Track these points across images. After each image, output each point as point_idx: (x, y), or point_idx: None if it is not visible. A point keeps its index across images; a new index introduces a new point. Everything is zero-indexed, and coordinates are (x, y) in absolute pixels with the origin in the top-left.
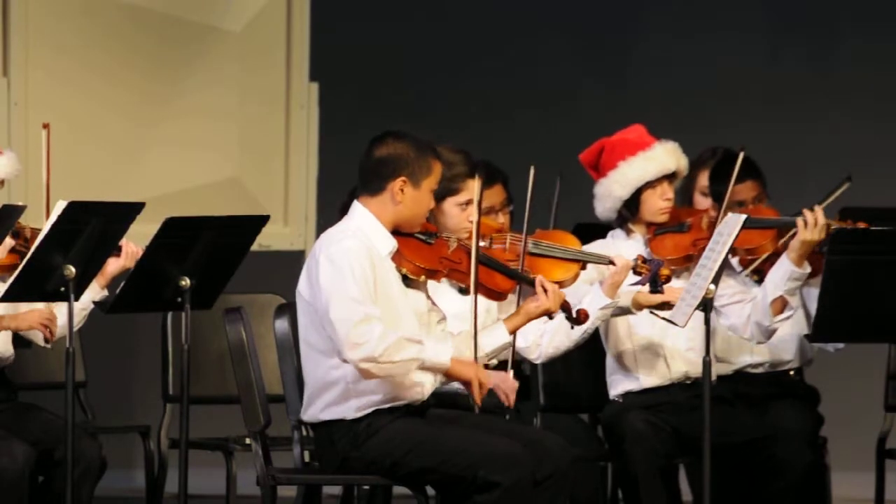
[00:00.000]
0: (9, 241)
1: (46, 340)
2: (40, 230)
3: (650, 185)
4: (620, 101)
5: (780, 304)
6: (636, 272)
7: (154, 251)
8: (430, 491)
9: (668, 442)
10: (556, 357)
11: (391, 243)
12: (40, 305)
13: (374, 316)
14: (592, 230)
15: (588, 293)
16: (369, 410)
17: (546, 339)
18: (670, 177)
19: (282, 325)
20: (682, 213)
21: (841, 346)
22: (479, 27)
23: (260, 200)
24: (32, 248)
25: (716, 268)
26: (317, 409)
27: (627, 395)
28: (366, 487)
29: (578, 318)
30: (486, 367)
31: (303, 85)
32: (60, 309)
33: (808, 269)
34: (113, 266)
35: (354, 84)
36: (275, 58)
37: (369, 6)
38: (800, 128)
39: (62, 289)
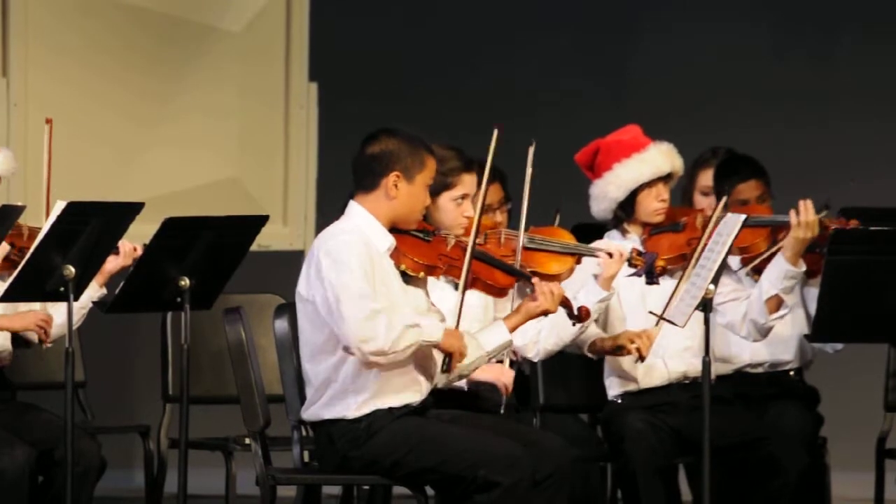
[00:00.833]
0: (6, 247)
1: (41, 342)
2: (40, 229)
3: (645, 186)
4: (620, 101)
5: (776, 303)
6: (631, 264)
7: (153, 251)
8: (430, 491)
9: (667, 442)
10: (555, 353)
11: (389, 240)
12: (36, 306)
13: (379, 310)
14: (592, 230)
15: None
16: (369, 410)
17: (543, 335)
18: (665, 178)
19: (281, 325)
20: (678, 213)
21: (840, 346)
22: (478, 27)
23: (259, 200)
24: (32, 248)
25: (715, 268)
26: (317, 408)
27: (627, 396)
28: (365, 487)
29: (580, 316)
30: None
31: (302, 85)
32: (59, 308)
33: (804, 268)
34: (112, 264)
35: (354, 84)
36: (275, 58)
37: (369, 6)
38: (800, 128)
39: (62, 289)
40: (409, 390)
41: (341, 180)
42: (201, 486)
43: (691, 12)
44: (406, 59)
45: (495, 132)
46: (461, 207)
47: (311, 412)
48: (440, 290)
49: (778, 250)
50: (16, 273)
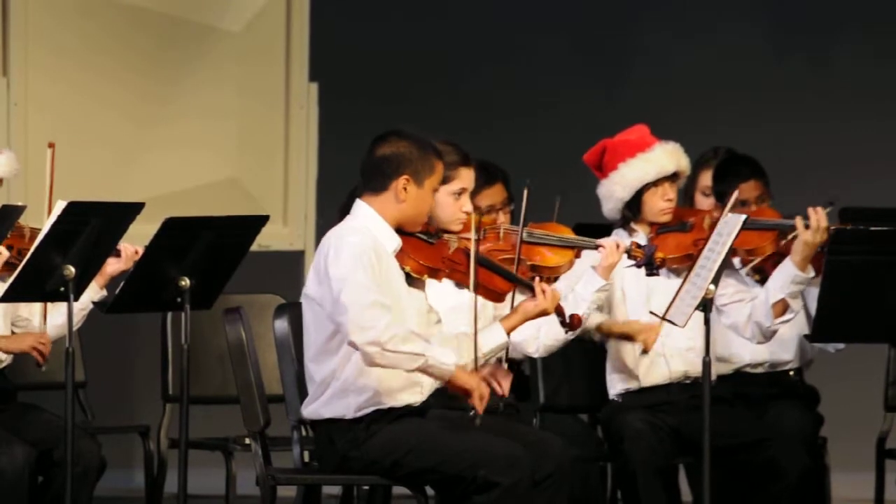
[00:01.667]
0: (4, 253)
1: (38, 364)
2: (40, 230)
3: (651, 185)
4: (620, 101)
5: (782, 307)
6: (631, 256)
7: (154, 251)
8: (430, 491)
9: (667, 442)
10: (555, 349)
11: (396, 241)
12: (36, 309)
13: (383, 304)
14: (593, 230)
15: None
16: (369, 410)
17: (544, 331)
18: (671, 177)
19: (281, 325)
20: (686, 213)
21: (841, 346)
22: (478, 27)
23: (259, 200)
24: (32, 248)
25: (715, 268)
26: (318, 405)
27: (627, 395)
28: (365, 487)
29: (572, 324)
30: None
31: (303, 85)
32: (59, 309)
33: (812, 274)
34: (112, 267)
35: (354, 84)
36: (275, 58)
37: (369, 6)
38: (800, 128)
39: (62, 289)
40: (410, 391)
41: (341, 180)
42: (201, 486)
43: (691, 12)
44: (406, 59)
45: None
46: (459, 202)
47: (311, 409)
48: (438, 287)
49: (781, 251)
50: (16, 273)
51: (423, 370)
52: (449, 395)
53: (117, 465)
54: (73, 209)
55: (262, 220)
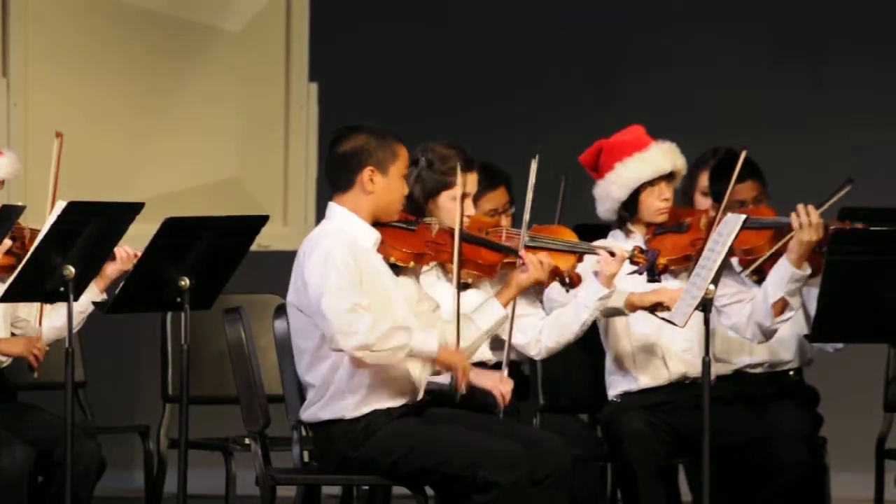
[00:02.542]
0: (7, 242)
1: (32, 369)
2: (40, 230)
3: (647, 185)
4: (620, 101)
5: (781, 305)
6: (633, 262)
7: (154, 251)
8: (430, 491)
9: (667, 442)
10: (557, 351)
11: (374, 235)
12: (34, 310)
13: (362, 305)
14: (593, 231)
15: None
16: (367, 410)
17: (545, 333)
18: (668, 177)
19: (281, 325)
20: (682, 213)
21: (840, 346)
22: (478, 27)
23: (259, 201)
24: (32, 248)
25: (715, 268)
26: (316, 409)
27: (626, 395)
28: (365, 487)
29: (573, 282)
30: (483, 365)
31: (303, 85)
32: (59, 310)
33: (808, 271)
34: (111, 269)
35: (354, 84)
36: (275, 58)
37: (369, 6)
38: (799, 128)
39: (61, 289)
40: (405, 389)
41: None
42: (201, 486)
43: (691, 12)
44: (406, 59)
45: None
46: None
47: (309, 413)
48: (436, 286)
49: (779, 252)
50: (16, 273)
51: (410, 357)
52: (445, 396)
53: (117, 465)
54: (73, 209)
55: (262, 220)
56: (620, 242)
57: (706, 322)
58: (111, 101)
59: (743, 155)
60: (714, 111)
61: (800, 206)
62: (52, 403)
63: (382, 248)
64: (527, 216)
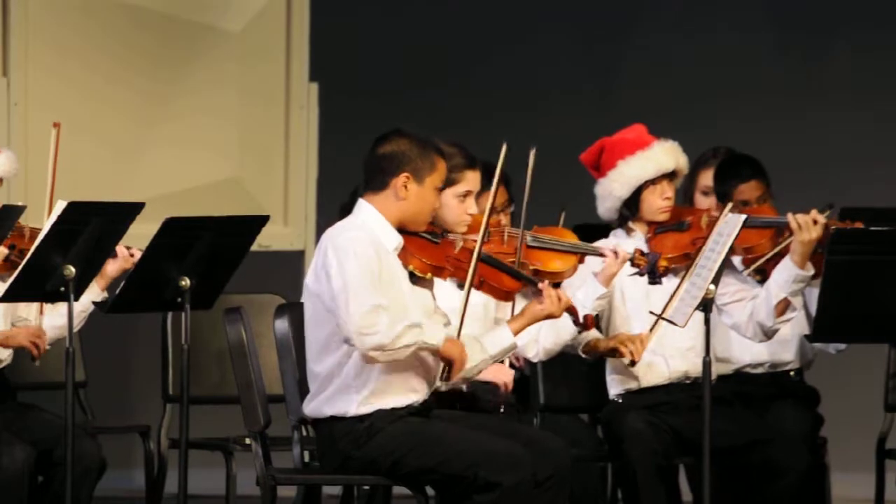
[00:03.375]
0: (4, 251)
1: (33, 358)
2: (40, 230)
3: (649, 184)
4: (620, 101)
5: (784, 305)
6: (634, 264)
7: (154, 251)
8: (430, 491)
9: (667, 442)
10: (555, 353)
11: (397, 239)
12: (33, 309)
13: (381, 305)
14: (593, 231)
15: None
16: (371, 408)
17: (543, 334)
18: (670, 176)
19: (281, 325)
20: (683, 212)
21: (843, 346)
22: (478, 26)
23: (260, 200)
24: (32, 248)
25: (715, 268)
26: (319, 403)
27: (627, 395)
28: (365, 487)
29: (585, 324)
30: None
31: (303, 85)
32: (59, 310)
33: (812, 271)
34: (112, 268)
35: (354, 84)
36: (275, 58)
37: (369, 6)
38: (799, 128)
39: (62, 289)
40: (411, 390)
41: (341, 180)
42: (201, 486)
43: (691, 12)
44: (406, 59)
45: (504, 147)
46: (464, 204)
47: (312, 407)
48: (444, 288)
49: (781, 251)
50: (16, 273)
51: (419, 350)
52: (447, 396)
53: (117, 465)
54: (74, 209)
55: (262, 220)
56: (622, 241)
57: (706, 322)
58: (111, 101)
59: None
60: (714, 111)
61: (790, 216)
62: (52, 403)
63: (402, 255)
64: (523, 218)
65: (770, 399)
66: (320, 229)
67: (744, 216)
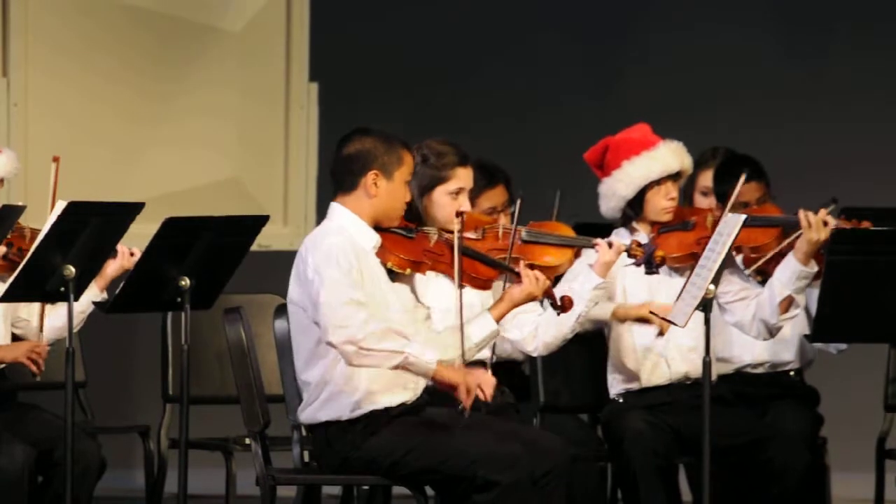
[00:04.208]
0: (2, 249)
1: (33, 375)
2: (40, 230)
3: (654, 184)
4: (619, 101)
5: (788, 303)
6: (631, 254)
7: (154, 251)
8: (430, 491)
9: (667, 442)
10: (555, 346)
11: (374, 237)
12: (34, 310)
13: (359, 301)
14: (592, 230)
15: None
16: (365, 410)
17: (542, 329)
18: (674, 176)
19: (281, 325)
20: (686, 212)
21: (844, 346)
22: (479, 27)
23: (260, 200)
24: (32, 248)
25: (716, 268)
26: (313, 410)
27: (627, 395)
28: (365, 487)
29: (563, 306)
30: (482, 364)
31: (302, 85)
32: (58, 310)
33: (815, 268)
34: (111, 268)
35: (354, 84)
36: (274, 58)
37: (369, 6)
38: (800, 128)
39: (62, 289)
40: (403, 388)
41: None
42: (201, 486)
43: (691, 12)
44: (406, 59)
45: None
46: (456, 202)
47: (307, 414)
48: (436, 283)
49: (782, 251)
50: (16, 273)
51: (404, 367)
52: (443, 394)
53: (117, 465)
54: (73, 209)
55: (262, 220)
56: (625, 241)
57: (706, 322)
58: (111, 101)
59: (741, 180)
60: (714, 111)
61: (801, 213)
62: (52, 403)
63: (380, 253)
64: (511, 247)
65: (770, 399)
66: None
67: (744, 216)
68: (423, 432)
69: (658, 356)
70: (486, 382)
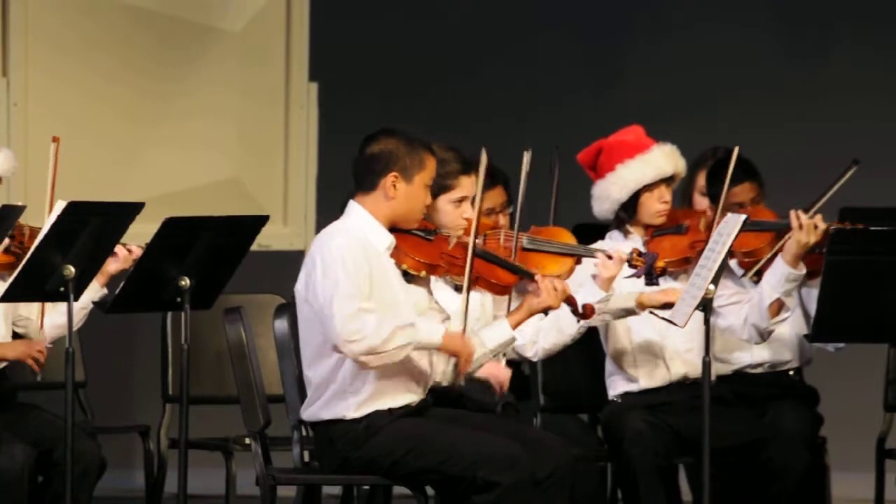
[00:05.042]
0: (5, 241)
1: (34, 373)
2: (40, 230)
3: (648, 187)
4: (619, 101)
5: (778, 306)
6: (631, 265)
7: (154, 251)
8: (430, 491)
9: (667, 442)
10: (554, 353)
11: (388, 239)
12: (34, 310)
13: (365, 308)
14: (592, 231)
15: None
16: (368, 410)
17: (542, 334)
18: (668, 179)
19: (281, 325)
20: (680, 215)
21: (841, 345)
22: (478, 27)
23: (260, 200)
24: (32, 248)
25: (715, 268)
26: (316, 408)
27: (627, 396)
28: (365, 487)
29: (585, 314)
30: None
31: (302, 85)
32: (59, 309)
33: (804, 271)
34: (113, 265)
35: (354, 84)
36: (274, 58)
37: (369, 6)
38: (799, 128)
39: (62, 289)
40: (408, 390)
41: (341, 180)
42: (201, 486)
43: (690, 12)
44: (406, 59)
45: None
46: (460, 209)
47: (310, 412)
48: (441, 291)
49: (778, 253)
50: (16, 273)
51: (416, 349)
52: (445, 395)
53: (117, 465)
54: (73, 209)
55: (262, 220)
56: (619, 243)
57: (706, 322)
58: (111, 101)
59: (735, 155)
60: (714, 111)
61: (792, 213)
62: (52, 403)
63: (396, 254)
64: (519, 215)
65: (770, 399)
66: (320, 229)
67: (744, 216)
68: (424, 432)
69: (657, 357)
70: (501, 374)
